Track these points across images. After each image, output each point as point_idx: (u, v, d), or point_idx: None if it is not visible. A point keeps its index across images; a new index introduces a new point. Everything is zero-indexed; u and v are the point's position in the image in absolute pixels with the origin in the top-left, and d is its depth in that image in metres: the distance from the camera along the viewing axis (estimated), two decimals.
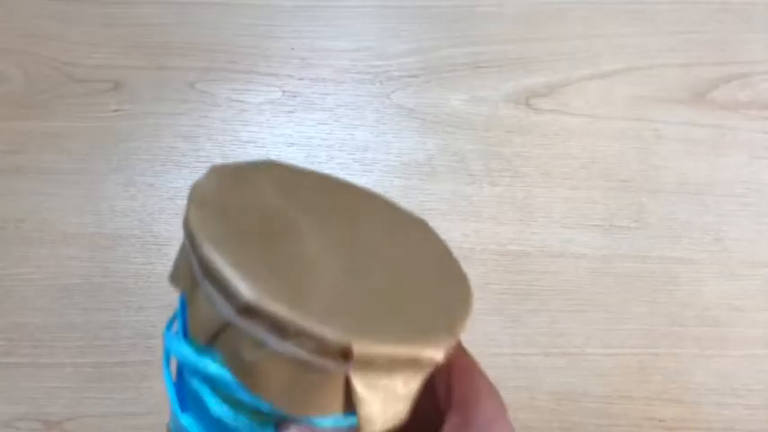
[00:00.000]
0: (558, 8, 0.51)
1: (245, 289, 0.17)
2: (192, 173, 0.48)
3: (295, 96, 0.50)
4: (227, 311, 0.17)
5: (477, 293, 0.46)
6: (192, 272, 0.19)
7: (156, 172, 0.48)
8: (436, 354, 0.18)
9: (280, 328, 0.17)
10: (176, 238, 0.47)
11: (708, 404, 0.46)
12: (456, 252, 0.24)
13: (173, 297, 0.49)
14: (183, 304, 0.21)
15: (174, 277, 0.21)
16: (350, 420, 0.19)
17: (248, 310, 0.17)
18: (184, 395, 0.21)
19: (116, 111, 0.49)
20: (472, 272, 0.49)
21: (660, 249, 0.48)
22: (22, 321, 0.46)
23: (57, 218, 0.48)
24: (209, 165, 0.48)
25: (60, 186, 0.48)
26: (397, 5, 0.51)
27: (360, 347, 0.17)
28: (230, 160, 0.49)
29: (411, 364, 0.18)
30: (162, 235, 0.47)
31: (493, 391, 0.23)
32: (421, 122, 0.49)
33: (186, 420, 0.21)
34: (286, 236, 0.20)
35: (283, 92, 0.50)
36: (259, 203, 0.21)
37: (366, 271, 0.20)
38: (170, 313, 0.49)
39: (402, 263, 0.22)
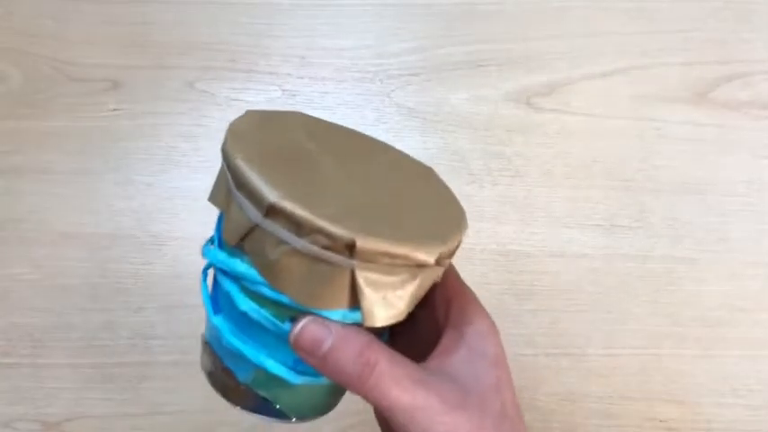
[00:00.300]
0: (559, 7, 0.51)
1: (269, 192, 0.20)
2: (192, 173, 0.48)
3: (295, 95, 0.49)
4: (254, 215, 0.21)
5: (477, 293, 0.46)
6: (227, 188, 0.23)
7: (155, 172, 0.48)
8: (428, 257, 0.21)
9: (297, 226, 0.20)
10: (175, 237, 0.47)
11: (709, 405, 0.46)
12: (456, 252, 0.25)
13: (172, 297, 0.49)
14: (219, 221, 0.24)
15: (213, 197, 0.24)
16: (355, 315, 0.22)
17: (272, 211, 0.20)
18: (217, 301, 0.25)
19: (115, 110, 0.49)
20: (472, 272, 0.49)
21: (661, 249, 0.48)
22: (20, 322, 0.46)
23: (55, 218, 0.47)
24: (208, 164, 0.48)
25: (58, 186, 0.48)
26: (397, 4, 0.50)
27: (362, 242, 0.20)
28: None
29: (407, 264, 0.21)
30: (160, 235, 0.47)
31: (485, 314, 0.26)
32: (421, 121, 0.49)
33: (218, 321, 0.24)
34: (306, 162, 0.23)
35: (283, 91, 0.49)
36: (285, 138, 0.25)
37: (374, 193, 0.24)
38: (169, 313, 0.49)
39: (406, 191, 0.25)
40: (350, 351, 0.22)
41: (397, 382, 0.22)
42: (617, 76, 0.50)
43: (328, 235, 0.20)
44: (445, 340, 0.25)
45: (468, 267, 0.46)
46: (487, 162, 0.49)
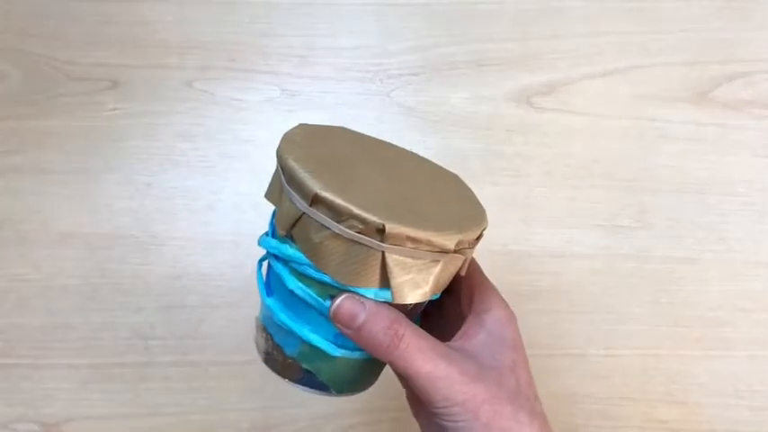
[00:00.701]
0: (560, 6, 0.51)
1: (314, 185, 0.24)
2: (191, 172, 0.48)
3: (294, 95, 0.49)
4: (301, 205, 0.25)
5: None
6: (280, 185, 0.26)
7: (154, 171, 0.48)
8: (447, 242, 0.25)
9: (337, 213, 0.24)
10: (175, 237, 0.47)
11: (710, 405, 0.46)
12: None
13: (171, 297, 0.49)
14: (273, 216, 0.28)
15: (269, 194, 0.28)
16: (385, 294, 0.25)
17: (316, 200, 0.24)
18: (270, 285, 0.29)
19: (114, 110, 0.49)
20: None
21: (662, 249, 0.48)
22: (19, 322, 0.46)
23: (54, 218, 0.47)
24: (207, 164, 0.48)
25: (58, 186, 0.48)
26: (397, 3, 0.50)
27: (390, 227, 0.24)
28: (229, 160, 0.48)
29: (430, 249, 0.25)
30: (160, 235, 0.47)
31: (504, 304, 0.29)
32: (421, 121, 0.49)
33: (270, 302, 0.28)
34: (346, 165, 0.27)
35: (282, 90, 0.49)
36: (329, 146, 0.29)
37: (404, 191, 0.27)
38: (169, 313, 0.49)
39: (433, 191, 0.29)
40: (380, 323, 0.25)
41: (422, 352, 0.25)
42: (617, 76, 0.50)
43: (362, 220, 0.24)
44: (467, 325, 0.28)
45: None
46: (488, 162, 0.49)
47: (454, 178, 0.32)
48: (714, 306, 0.47)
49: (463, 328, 0.28)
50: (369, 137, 0.32)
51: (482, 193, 0.48)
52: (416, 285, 0.25)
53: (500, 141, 0.49)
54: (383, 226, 0.23)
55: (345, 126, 0.32)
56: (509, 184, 0.48)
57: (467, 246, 0.26)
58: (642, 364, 0.46)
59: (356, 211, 0.24)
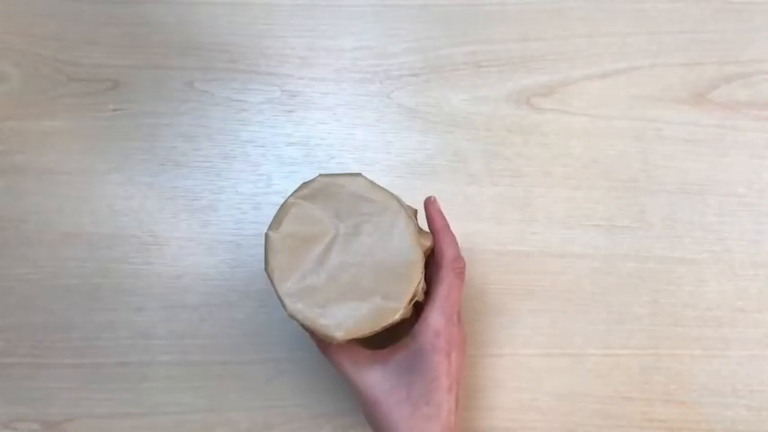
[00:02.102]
0: (560, 7, 0.51)
1: (278, 288, 0.34)
2: (191, 172, 0.48)
3: (295, 96, 0.50)
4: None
5: (477, 294, 0.46)
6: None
7: (155, 172, 0.48)
8: (332, 338, 0.34)
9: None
10: (176, 237, 0.47)
11: (709, 405, 0.46)
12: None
13: (171, 297, 0.49)
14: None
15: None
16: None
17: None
18: None
19: (115, 110, 0.49)
20: (473, 272, 0.49)
21: (661, 249, 0.48)
22: (21, 322, 0.46)
23: (56, 218, 0.47)
24: (208, 165, 0.48)
25: (59, 186, 0.48)
26: (397, 4, 0.51)
27: (291, 314, 0.34)
28: (230, 160, 0.48)
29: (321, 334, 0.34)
30: (161, 235, 0.47)
31: (433, 333, 0.36)
32: (421, 122, 0.49)
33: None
34: (315, 262, 0.35)
35: (283, 91, 0.50)
36: (313, 233, 0.35)
37: (346, 284, 0.35)
38: (169, 313, 0.49)
39: (374, 274, 0.35)
40: (315, 340, 0.39)
41: (347, 364, 0.37)
42: (617, 77, 0.50)
43: (283, 305, 0.34)
44: (401, 343, 0.38)
45: (469, 267, 0.46)
46: (487, 162, 0.49)
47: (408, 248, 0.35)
48: (713, 306, 0.47)
49: (399, 343, 0.38)
50: (378, 195, 0.35)
51: (482, 193, 0.49)
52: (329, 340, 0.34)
53: (500, 142, 0.49)
54: (292, 314, 0.34)
55: (362, 174, 0.36)
56: (509, 184, 0.48)
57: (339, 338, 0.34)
58: (641, 364, 0.46)
59: (282, 298, 0.34)
